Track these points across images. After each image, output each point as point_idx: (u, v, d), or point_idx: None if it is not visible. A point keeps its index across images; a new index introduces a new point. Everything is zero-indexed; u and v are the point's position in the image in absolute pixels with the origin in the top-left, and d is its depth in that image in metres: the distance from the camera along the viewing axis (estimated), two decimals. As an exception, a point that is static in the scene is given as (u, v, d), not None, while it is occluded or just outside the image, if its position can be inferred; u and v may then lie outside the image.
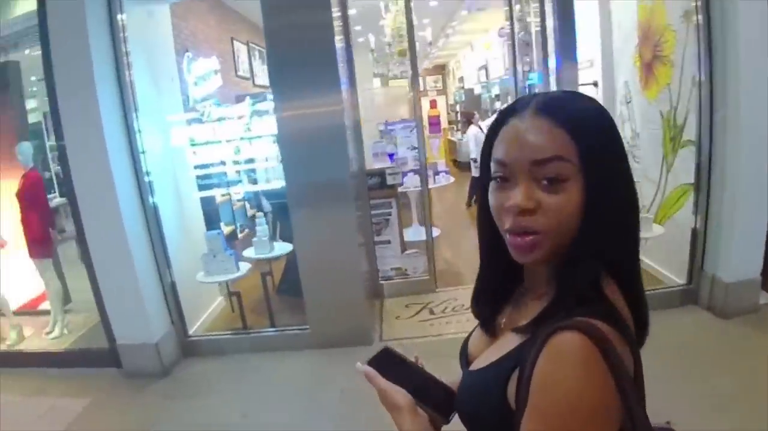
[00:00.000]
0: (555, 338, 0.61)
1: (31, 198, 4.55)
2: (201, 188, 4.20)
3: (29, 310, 5.07)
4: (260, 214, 4.12)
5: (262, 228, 4.09)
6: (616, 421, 0.60)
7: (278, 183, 4.15)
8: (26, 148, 4.61)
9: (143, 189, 3.78)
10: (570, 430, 0.58)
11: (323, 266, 3.75)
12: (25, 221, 4.59)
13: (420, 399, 0.79)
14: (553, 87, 3.77)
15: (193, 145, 4.05)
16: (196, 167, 4.12)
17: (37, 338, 4.78)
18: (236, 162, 4.07)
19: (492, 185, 0.72)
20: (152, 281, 3.86)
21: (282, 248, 4.15)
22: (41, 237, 4.61)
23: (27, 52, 4.73)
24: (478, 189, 0.80)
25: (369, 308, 3.92)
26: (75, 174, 3.58)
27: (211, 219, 4.69)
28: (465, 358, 0.86)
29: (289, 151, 3.64)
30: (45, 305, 5.21)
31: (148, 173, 3.78)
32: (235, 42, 6.51)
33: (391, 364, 0.84)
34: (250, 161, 4.05)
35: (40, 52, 3.53)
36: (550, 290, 0.71)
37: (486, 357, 0.76)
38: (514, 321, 0.76)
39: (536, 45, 3.87)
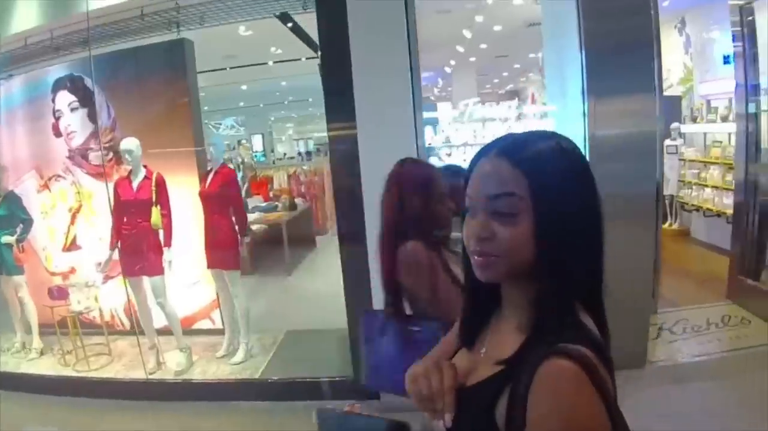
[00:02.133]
0: (546, 365, 0.67)
1: (223, 199, 3.93)
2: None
3: (184, 328, 4.33)
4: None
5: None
6: None
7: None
8: (220, 140, 4.00)
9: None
10: None
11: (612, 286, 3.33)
12: (212, 226, 3.94)
13: None
14: None
15: (445, 147, 3.57)
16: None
17: (207, 362, 4.09)
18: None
19: (466, 217, 0.79)
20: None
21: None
22: (231, 245, 3.97)
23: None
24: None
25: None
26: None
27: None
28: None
29: (597, 159, 3.24)
30: (201, 325, 4.55)
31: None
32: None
33: (342, 424, 0.84)
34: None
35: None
36: (527, 320, 0.76)
37: (475, 375, 0.81)
38: (496, 349, 0.80)
39: None
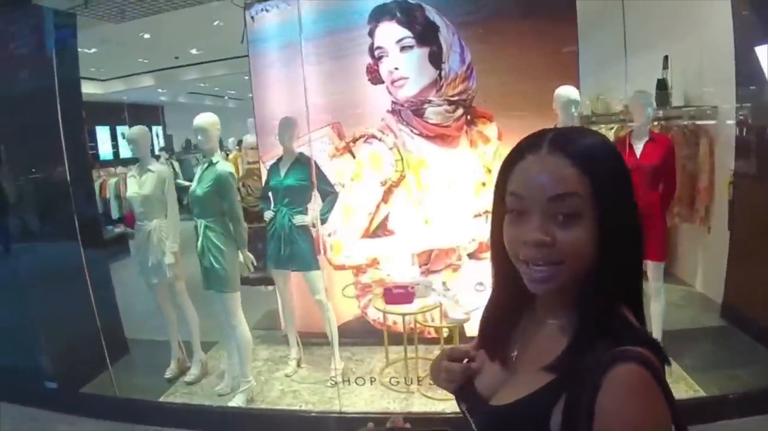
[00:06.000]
0: (615, 370, 0.64)
1: (659, 174, 3.11)
2: None
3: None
4: None
5: None
6: None
7: None
8: (649, 97, 3.17)
9: None
10: None
11: None
12: (642, 207, 3.08)
13: None
14: None
15: None
16: None
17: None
18: None
19: (508, 217, 0.74)
20: None
21: None
22: (662, 229, 3.18)
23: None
24: (492, 219, 0.80)
25: None
26: None
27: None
28: (473, 395, 0.84)
29: None
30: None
31: None
32: None
33: None
34: None
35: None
36: (569, 322, 0.73)
37: (512, 391, 0.76)
38: (537, 356, 0.76)
39: None
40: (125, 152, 7.08)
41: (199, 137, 3.02)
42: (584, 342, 0.69)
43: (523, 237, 0.71)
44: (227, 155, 8.00)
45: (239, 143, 6.28)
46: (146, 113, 7.09)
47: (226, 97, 8.04)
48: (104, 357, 3.53)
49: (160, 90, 6.95)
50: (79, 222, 3.40)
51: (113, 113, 6.88)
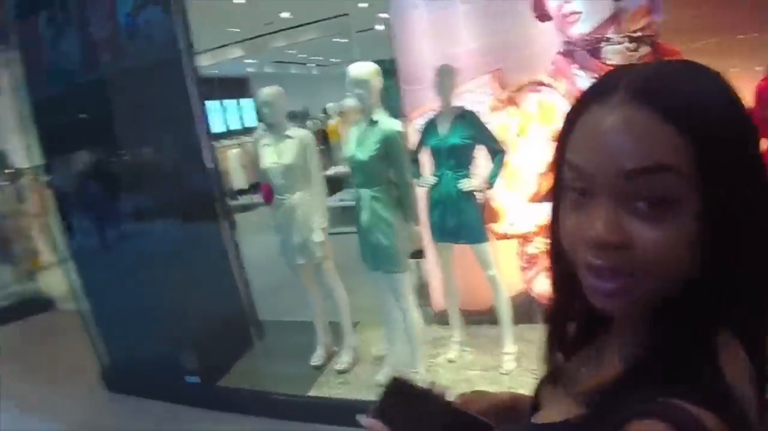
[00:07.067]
0: (629, 427, 0.41)
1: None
2: None
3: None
4: None
5: None
6: None
7: None
8: None
9: None
10: None
11: None
12: None
13: None
14: None
15: None
16: None
17: None
18: None
19: (568, 197, 0.48)
20: None
21: None
22: None
23: None
24: (552, 198, 0.53)
25: None
26: None
27: None
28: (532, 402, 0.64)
29: None
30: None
31: None
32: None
33: (407, 401, 0.63)
34: None
35: None
36: (638, 344, 0.48)
37: (547, 413, 0.58)
38: (587, 377, 0.55)
39: None
40: (218, 127, 6.88)
41: (358, 91, 2.61)
42: (634, 378, 0.47)
43: (582, 232, 0.46)
44: (320, 122, 7.69)
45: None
46: (233, 86, 6.81)
47: (307, 65, 7.71)
48: (242, 344, 3.28)
49: (246, 61, 6.63)
50: (210, 198, 3.15)
51: (203, 89, 6.68)
